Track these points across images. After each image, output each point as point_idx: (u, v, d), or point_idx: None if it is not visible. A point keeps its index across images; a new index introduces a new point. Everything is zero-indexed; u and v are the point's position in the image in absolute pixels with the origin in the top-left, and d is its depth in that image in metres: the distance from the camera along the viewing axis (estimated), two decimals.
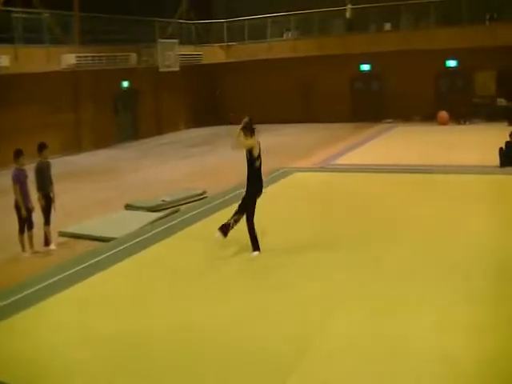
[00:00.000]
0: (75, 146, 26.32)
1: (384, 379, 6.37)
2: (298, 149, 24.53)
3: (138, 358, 7.03)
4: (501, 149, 18.65)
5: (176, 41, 30.93)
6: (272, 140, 28.31)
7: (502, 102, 31.99)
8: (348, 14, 33.41)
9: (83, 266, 10.48)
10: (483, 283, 8.93)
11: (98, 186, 18.42)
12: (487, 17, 31.18)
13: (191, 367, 6.77)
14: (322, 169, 19.44)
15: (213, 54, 34.49)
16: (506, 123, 28.49)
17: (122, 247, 11.53)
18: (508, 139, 18.73)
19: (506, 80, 31.93)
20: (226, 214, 13.88)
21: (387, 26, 33.09)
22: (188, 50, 32.97)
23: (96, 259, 10.82)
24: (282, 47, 34.06)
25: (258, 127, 10.70)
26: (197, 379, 6.55)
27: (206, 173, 19.92)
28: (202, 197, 15.75)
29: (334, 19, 34.11)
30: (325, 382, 6.34)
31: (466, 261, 9.91)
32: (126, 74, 29.17)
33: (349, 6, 33.09)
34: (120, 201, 15.31)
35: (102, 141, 27.48)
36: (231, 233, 10.76)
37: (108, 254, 11.16)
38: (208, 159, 23.21)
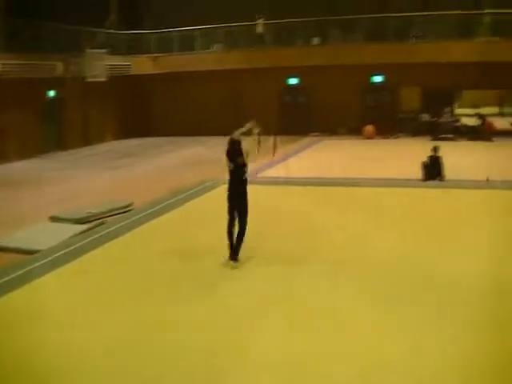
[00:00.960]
0: None
1: None
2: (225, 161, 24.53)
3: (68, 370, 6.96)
4: (424, 163, 19.09)
5: (104, 51, 30.71)
6: (200, 151, 28.41)
7: (425, 117, 32.82)
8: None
9: (6, 279, 10.25)
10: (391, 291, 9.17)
11: (23, 197, 18.10)
12: (412, 34, 32.01)
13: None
14: (249, 181, 19.45)
15: (141, 65, 34.32)
16: (429, 138, 29.23)
17: (47, 259, 11.35)
18: (431, 154, 19.20)
19: (430, 96, 32.79)
20: (152, 226, 13.94)
21: (315, 41, 33.51)
22: (116, 60, 32.72)
23: (20, 272, 10.59)
24: (210, 59, 34.15)
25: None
26: None
27: (133, 184, 19.77)
28: (128, 209, 15.65)
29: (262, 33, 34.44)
30: None
31: (377, 276, 10.14)
32: (53, 83, 28.69)
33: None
34: (45, 212, 15.07)
35: (28, 151, 26.93)
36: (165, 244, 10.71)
37: (32, 266, 10.95)
38: (135, 171, 23.06)
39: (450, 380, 6.63)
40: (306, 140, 31.31)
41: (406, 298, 9.00)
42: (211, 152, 27.63)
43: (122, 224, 14.08)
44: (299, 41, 33.96)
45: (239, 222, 10.67)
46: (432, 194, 17.30)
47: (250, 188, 17.45)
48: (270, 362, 7.05)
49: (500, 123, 34.57)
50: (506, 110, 45.56)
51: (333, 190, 17.80)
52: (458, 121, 32.78)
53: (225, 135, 30.94)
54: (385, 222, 13.98)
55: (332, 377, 6.73)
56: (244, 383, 6.67)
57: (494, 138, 29.54)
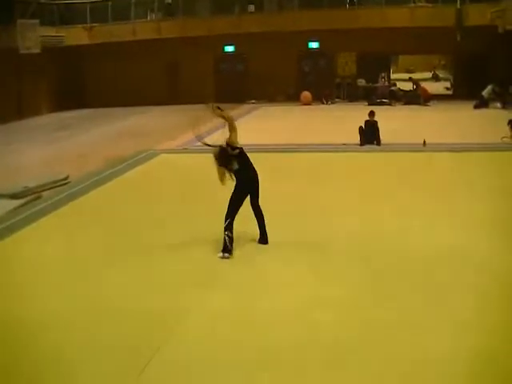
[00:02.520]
0: None
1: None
2: (163, 131, 24.41)
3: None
4: (360, 127, 19.27)
5: (37, 21, 30.07)
6: (138, 122, 28.17)
7: (361, 82, 33.18)
8: None
9: None
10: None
11: None
12: (347, 0, 32.18)
13: None
14: (187, 150, 19.40)
15: (76, 36, 33.69)
16: (365, 103, 29.51)
17: None
18: (367, 118, 19.39)
19: (366, 61, 33.09)
20: (89, 199, 13.78)
21: (251, 8, 33.36)
22: (50, 31, 32.13)
23: None
24: (146, 29, 33.76)
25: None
26: None
27: (70, 157, 19.48)
28: (65, 182, 15.43)
29: (197, 1, 34.21)
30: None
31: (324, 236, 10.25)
32: None
33: None
34: None
35: None
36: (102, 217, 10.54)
37: None
38: (71, 143, 22.71)
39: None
40: (243, 108, 31.28)
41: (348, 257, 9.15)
42: (149, 122, 27.47)
43: (58, 198, 13.88)
44: (235, 8, 33.77)
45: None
46: (369, 157, 17.50)
47: (188, 156, 17.44)
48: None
49: (435, 88, 35.15)
50: (441, 74, 46.46)
51: (270, 156, 17.81)
52: (393, 85, 33.10)
53: (161, 105, 30.71)
54: (322, 185, 14.07)
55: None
56: None
57: (430, 103, 29.95)
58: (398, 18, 30.35)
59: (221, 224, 9.40)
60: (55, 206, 13.16)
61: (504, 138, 18.67)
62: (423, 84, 33.07)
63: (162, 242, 10.21)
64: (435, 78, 45.79)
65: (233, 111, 29.40)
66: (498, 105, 27.60)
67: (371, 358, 6.28)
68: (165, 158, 18.39)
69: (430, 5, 30.95)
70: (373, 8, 31.39)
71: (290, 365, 6.24)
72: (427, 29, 29.63)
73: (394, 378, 5.94)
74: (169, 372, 6.19)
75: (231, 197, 9.60)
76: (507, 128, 18.96)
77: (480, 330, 6.80)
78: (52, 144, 22.66)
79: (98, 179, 15.47)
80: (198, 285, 8.40)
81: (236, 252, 9.41)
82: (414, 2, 31.32)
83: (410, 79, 34.21)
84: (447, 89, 37.07)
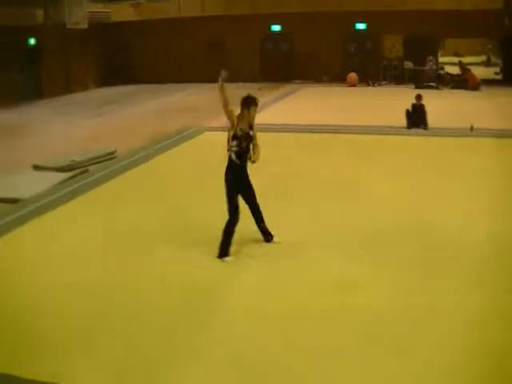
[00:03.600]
0: None
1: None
2: (207, 108, 24.37)
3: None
4: (407, 111, 19.06)
5: None
6: (182, 99, 28.24)
7: (408, 64, 32.75)
8: None
9: None
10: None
11: (4, 146, 17.89)
12: None
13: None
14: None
15: (122, 12, 33.92)
16: (412, 86, 29.20)
17: (30, 208, 11.29)
18: (414, 102, 19.17)
19: (413, 44, 32.64)
20: (135, 173, 13.88)
21: None
22: (97, 7, 32.33)
23: (2, 221, 10.49)
24: (191, 6, 33.74)
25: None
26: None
27: (116, 132, 19.62)
28: (111, 156, 15.56)
29: None
30: None
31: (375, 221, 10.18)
32: (33, 30, 28.24)
33: None
34: (27, 161, 14.92)
35: (6, 100, 26.43)
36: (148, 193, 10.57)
37: (16, 215, 10.87)
38: (117, 118, 22.87)
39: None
40: (288, 87, 31.17)
41: (387, 242, 9.10)
42: (193, 99, 27.49)
43: (105, 172, 14.00)
44: None
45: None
46: (416, 141, 17.33)
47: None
48: None
49: (486, 72, 34.57)
50: (492, 59, 45.47)
51: (317, 136, 17.77)
52: (441, 69, 32.69)
53: (207, 82, 30.69)
54: (368, 168, 13.97)
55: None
56: None
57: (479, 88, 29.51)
58: (445, 0, 29.91)
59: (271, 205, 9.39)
60: (102, 180, 13.27)
61: None
62: (472, 69, 32.46)
63: (206, 218, 10.20)
64: (487, 62, 44.98)
65: (278, 90, 29.48)
66: None
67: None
68: (208, 136, 18.40)
69: None
70: None
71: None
72: (474, 12, 29.13)
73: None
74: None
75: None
76: None
77: None
78: (98, 118, 22.85)
79: (143, 155, 15.55)
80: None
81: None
82: None
83: (460, 63, 33.63)
84: (496, 73, 36.46)
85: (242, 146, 8.58)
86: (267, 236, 9.09)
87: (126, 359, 6.03)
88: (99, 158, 15.20)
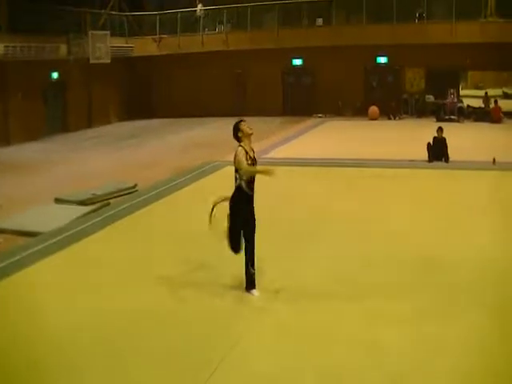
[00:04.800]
0: (2, 138, 25.55)
1: None
2: (230, 142, 24.44)
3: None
4: (429, 144, 19.00)
5: (107, 32, 30.69)
6: (205, 133, 28.36)
7: (430, 98, 32.76)
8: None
9: (11, 260, 10.23)
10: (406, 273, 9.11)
11: (27, 180, 18.03)
12: (416, 15, 31.89)
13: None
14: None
15: (144, 47, 34.24)
16: (433, 119, 29.17)
17: (51, 241, 11.30)
18: (435, 135, 19.12)
19: (434, 77, 32.68)
20: (156, 207, 13.90)
21: (319, 22, 33.36)
22: (119, 41, 32.73)
23: (25, 253, 10.54)
24: (214, 40, 34.07)
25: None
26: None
27: (137, 166, 19.69)
28: (132, 190, 15.60)
29: (266, 13, 34.34)
30: None
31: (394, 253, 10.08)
32: (56, 64, 28.53)
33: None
34: (50, 194, 15.00)
35: (31, 133, 26.68)
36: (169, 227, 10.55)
37: (37, 248, 10.89)
38: (139, 152, 22.99)
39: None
40: (310, 121, 31.24)
41: (408, 281, 8.98)
42: (215, 133, 27.57)
43: (125, 206, 14.05)
44: (303, 22, 33.88)
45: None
46: (437, 174, 17.22)
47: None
48: None
49: (504, 105, 34.43)
50: (509, 91, 45.43)
51: (338, 170, 17.73)
52: (462, 102, 32.62)
53: (228, 116, 30.88)
54: (390, 202, 13.90)
55: None
56: None
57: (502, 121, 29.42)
58: (467, 33, 29.87)
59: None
60: (122, 214, 13.30)
61: None
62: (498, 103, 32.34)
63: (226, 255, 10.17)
64: (505, 95, 44.90)
65: (299, 124, 29.54)
66: None
67: None
68: (230, 170, 18.34)
69: (501, 20, 30.41)
70: (442, 23, 30.98)
71: None
72: (497, 44, 29.13)
73: None
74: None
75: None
76: None
77: None
78: (119, 152, 22.98)
79: (164, 189, 15.58)
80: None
81: None
82: (485, 17, 30.84)
83: (485, 95, 33.42)
84: None
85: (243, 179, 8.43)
86: (250, 284, 8.56)
87: None
88: (120, 191, 15.25)
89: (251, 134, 8.53)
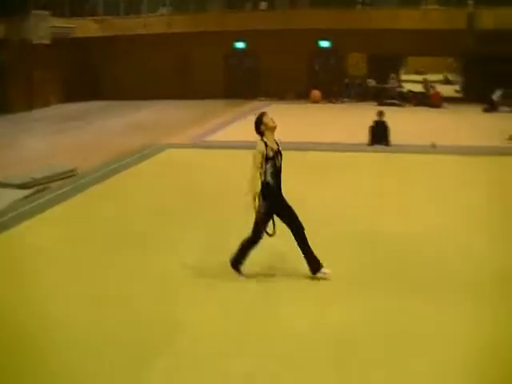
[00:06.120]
0: None
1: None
2: (172, 125, 24.41)
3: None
4: (370, 127, 19.21)
5: (48, 12, 30.13)
6: (147, 116, 28.18)
7: (371, 82, 33.13)
8: None
9: None
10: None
11: None
12: (360, 0, 32.22)
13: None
14: (194, 145, 19.44)
15: (86, 28, 33.85)
16: (375, 103, 29.49)
17: None
18: (376, 118, 19.33)
19: (377, 62, 33.08)
20: (97, 191, 13.78)
21: (263, 5, 33.42)
22: (61, 22, 32.20)
23: None
24: (157, 23, 33.85)
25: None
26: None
27: (79, 149, 19.49)
28: (72, 173, 15.42)
29: None
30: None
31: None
32: None
33: None
34: None
35: None
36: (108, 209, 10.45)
37: None
38: (81, 135, 22.74)
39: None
40: (253, 104, 31.28)
41: (342, 253, 9.13)
42: (157, 116, 27.46)
43: (65, 189, 13.86)
44: (247, 5, 33.87)
45: None
46: (378, 158, 17.43)
47: (196, 151, 17.37)
48: None
49: (446, 90, 35.07)
50: (451, 77, 46.30)
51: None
52: (403, 86, 33.11)
53: (171, 99, 30.51)
54: (328, 185, 14.00)
55: None
56: None
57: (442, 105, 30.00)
58: (409, 19, 30.34)
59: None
60: (62, 198, 13.16)
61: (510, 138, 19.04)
62: (437, 88, 32.90)
63: (168, 239, 10.19)
64: (446, 81, 45.63)
65: (242, 107, 29.55)
66: (507, 109, 27.59)
67: None
68: (172, 153, 18.35)
69: (442, 7, 30.89)
70: (385, 9, 31.42)
71: None
72: (438, 31, 29.58)
73: None
74: None
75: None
76: None
77: None
78: (60, 135, 22.70)
79: (105, 172, 15.46)
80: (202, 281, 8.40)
81: None
82: (426, 5, 31.29)
83: (425, 81, 34.00)
84: (457, 91, 37.01)
85: (277, 165, 8.18)
86: (314, 264, 8.22)
87: None
88: (60, 175, 15.07)
89: (275, 127, 8.27)
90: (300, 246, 8.23)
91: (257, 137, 8.28)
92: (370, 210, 11.88)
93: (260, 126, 8.26)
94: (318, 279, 8.22)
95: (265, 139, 8.17)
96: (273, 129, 8.27)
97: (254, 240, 8.26)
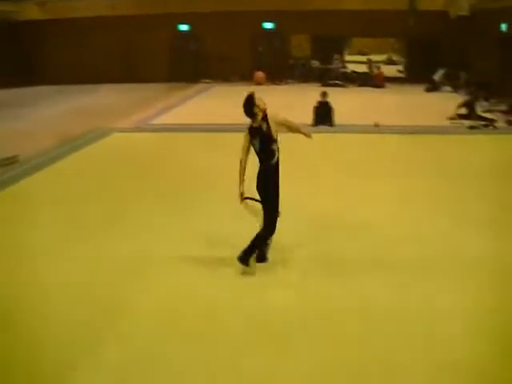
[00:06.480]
0: None
1: None
2: (117, 109, 24.22)
3: None
4: (315, 108, 19.34)
5: None
6: (91, 100, 27.87)
7: (315, 63, 33.32)
8: None
9: None
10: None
11: None
12: None
13: None
14: (139, 129, 19.35)
15: (27, 11, 33.25)
16: (318, 84, 29.68)
17: None
18: (319, 99, 19.47)
19: (320, 43, 33.26)
20: (38, 178, 13.59)
21: None
22: (1, 5, 31.56)
23: None
24: (100, 5, 33.43)
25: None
26: None
27: (21, 135, 19.15)
28: (14, 160, 15.17)
29: None
30: None
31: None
32: None
33: None
34: None
35: None
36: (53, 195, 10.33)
37: None
38: (24, 120, 22.33)
39: None
40: (197, 87, 31.27)
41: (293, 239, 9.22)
42: (102, 100, 27.20)
43: (6, 177, 13.64)
44: None
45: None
46: (322, 138, 17.53)
47: (141, 135, 17.27)
48: None
49: (389, 70, 35.42)
50: (394, 57, 46.79)
51: (223, 136, 17.80)
52: (347, 67, 33.38)
53: (116, 83, 30.16)
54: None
55: None
56: None
57: (385, 85, 30.37)
58: (352, 0, 30.54)
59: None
60: (6, 184, 12.98)
61: (451, 118, 19.36)
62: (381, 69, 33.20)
63: (112, 220, 10.19)
64: (390, 61, 45.99)
65: (186, 90, 29.46)
66: (449, 89, 28.06)
67: None
68: (117, 137, 18.25)
69: None
70: None
71: None
72: (381, 12, 29.86)
73: None
74: None
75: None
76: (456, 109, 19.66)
77: None
78: (3, 121, 22.28)
79: (48, 158, 15.29)
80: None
81: None
82: None
83: (369, 61, 34.25)
84: (400, 72, 37.39)
85: (279, 146, 7.92)
86: (249, 255, 7.88)
87: None
88: (1, 161, 14.83)
89: (266, 108, 7.92)
90: (258, 233, 7.90)
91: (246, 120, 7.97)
92: (306, 190, 12.09)
93: (253, 108, 7.86)
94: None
95: (260, 121, 7.86)
96: (263, 111, 7.90)
97: (268, 234, 7.95)
